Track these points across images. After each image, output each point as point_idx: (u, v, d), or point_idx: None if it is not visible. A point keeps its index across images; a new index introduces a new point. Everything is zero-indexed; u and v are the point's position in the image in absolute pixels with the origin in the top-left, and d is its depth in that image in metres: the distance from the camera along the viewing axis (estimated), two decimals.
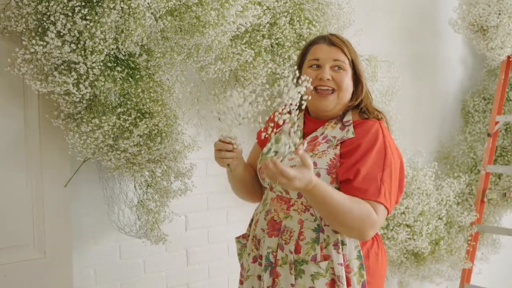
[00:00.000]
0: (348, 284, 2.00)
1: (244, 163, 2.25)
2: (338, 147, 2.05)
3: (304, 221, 2.05)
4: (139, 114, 2.27)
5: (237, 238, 2.32)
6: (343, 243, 2.02)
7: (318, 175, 1.99)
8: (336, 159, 2.03)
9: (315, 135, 2.12)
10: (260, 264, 2.12)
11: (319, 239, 2.02)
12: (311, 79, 1.88)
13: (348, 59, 2.12)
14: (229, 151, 2.05)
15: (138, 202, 2.55)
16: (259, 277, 2.13)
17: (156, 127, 2.30)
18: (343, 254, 2.01)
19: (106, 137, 2.22)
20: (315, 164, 2.00)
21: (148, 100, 2.26)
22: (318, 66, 2.12)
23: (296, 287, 2.02)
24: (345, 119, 2.12)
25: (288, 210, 2.09)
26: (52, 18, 2.06)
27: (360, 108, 2.15)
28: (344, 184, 1.99)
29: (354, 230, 1.96)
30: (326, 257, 2.01)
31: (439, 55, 4.25)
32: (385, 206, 1.98)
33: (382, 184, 1.97)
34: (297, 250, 2.03)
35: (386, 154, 2.00)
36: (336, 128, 2.11)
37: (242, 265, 2.28)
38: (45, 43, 2.07)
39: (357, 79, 2.15)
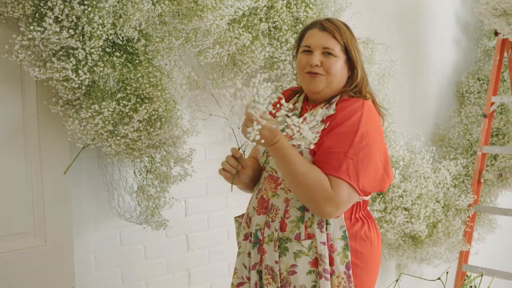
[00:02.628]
0: (331, 263, 2.02)
1: (248, 164, 2.22)
2: (322, 125, 2.05)
3: (290, 199, 2.09)
4: (138, 100, 2.26)
5: (236, 217, 2.37)
6: (327, 223, 2.04)
7: (300, 153, 2.03)
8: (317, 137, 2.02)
9: (305, 116, 2.12)
10: (250, 241, 2.17)
11: (304, 218, 2.06)
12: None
13: (341, 44, 2.11)
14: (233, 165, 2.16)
15: (138, 188, 2.55)
16: (249, 254, 2.18)
17: (156, 112, 2.29)
18: (326, 233, 2.03)
19: (106, 123, 2.21)
20: (299, 144, 2.04)
21: (147, 85, 2.24)
22: (310, 52, 2.14)
23: (280, 264, 2.06)
24: (333, 100, 2.13)
25: (275, 189, 2.14)
26: (49, 4, 2.04)
27: (353, 90, 2.15)
28: (314, 157, 2.03)
29: (308, 201, 1.99)
30: (310, 236, 2.04)
31: (433, 37, 4.24)
32: (348, 184, 1.96)
33: (345, 159, 1.96)
34: (282, 228, 2.08)
35: (357, 131, 1.99)
36: (324, 108, 2.12)
37: (238, 244, 2.31)
38: (43, 29, 2.04)
39: (352, 65, 2.15)
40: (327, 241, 2.03)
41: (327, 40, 2.11)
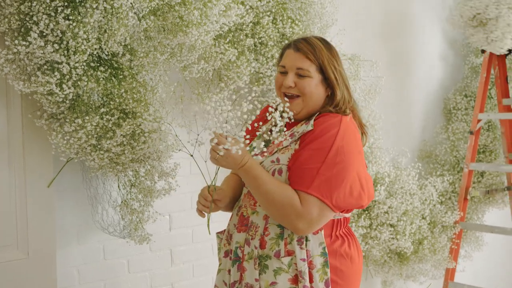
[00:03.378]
0: (311, 280, 2.02)
1: (222, 196, 2.23)
2: (298, 142, 2.07)
3: (269, 217, 2.08)
4: (122, 114, 2.27)
5: (218, 233, 2.35)
6: (307, 239, 2.03)
7: (280, 171, 2.04)
8: (295, 153, 2.05)
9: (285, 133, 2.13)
10: (231, 259, 2.17)
11: (283, 235, 2.06)
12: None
13: (316, 65, 2.10)
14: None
15: (122, 202, 2.55)
16: (229, 272, 2.17)
17: (139, 127, 2.30)
18: (306, 250, 2.03)
19: (89, 137, 2.22)
20: (278, 159, 2.07)
21: (131, 101, 2.26)
22: (286, 72, 2.15)
23: (261, 282, 2.05)
24: (312, 117, 2.13)
25: (254, 205, 2.14)
26: (35, 18, 2.06)
27: (335, 108, 2.12)
28: (289, 172, 2.04)
29: (280, 218, 2.00)
30: (290, 253, 2.03)
31: (420, 53, 4.28)
32: (320, 200, 1.96)
33: (318, 175, 1.96)
34: (262, 246, 2.07)
35: (332, 147, 1.98)
36: (304, 124, 2.13)
37: (219, 260, 2.31)
38: (27, 43, 2.06)
39: (330, 84, 2.13)
40: (307, 257, 2.02)
41: (301, 61, 2.11)
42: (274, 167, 2.06)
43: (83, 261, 2.63)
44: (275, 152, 2.11)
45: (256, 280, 2.05)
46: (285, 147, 2.10)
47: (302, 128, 2.09)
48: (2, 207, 2.31)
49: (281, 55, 2.22)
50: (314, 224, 1.99)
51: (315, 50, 2.11)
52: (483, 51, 4.05)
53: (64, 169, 2.47)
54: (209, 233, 2.28)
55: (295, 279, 2.02)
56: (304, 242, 2.03)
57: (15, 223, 2.35)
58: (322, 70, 2.11)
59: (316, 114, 2.12)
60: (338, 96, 2.11)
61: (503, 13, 3.65)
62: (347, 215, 2.15)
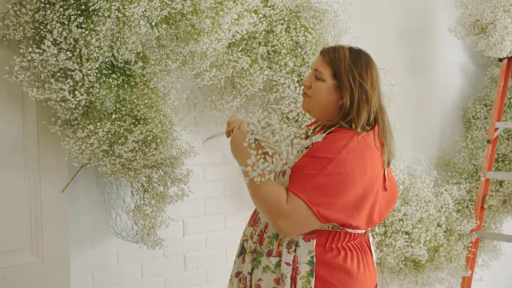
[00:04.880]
0: (295, 286, 2.02)
1: None
2: (308, 149, 2.06)
3: None
4: (133, 120, 2.31)
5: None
6: (297, 245, 2.05)
7: (284, 173, 2.05)
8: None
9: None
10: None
11: (278, 236, 2.09)
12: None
13: (331, 70, 2.11)
14: None
15: (134, 207, 2.59)
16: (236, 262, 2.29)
17: (151, 133, 2.34)
18: (294, 255, 2.04)
19: (101, 142, 2.26)
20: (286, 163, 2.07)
21: (142, 107, 2.29)
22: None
23: (252, 276, 2.13)
24: (329, 130, 2.12)
25: None
26: (48, 27, 2.11)
27: (346, 119, 2.09)
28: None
29: (264, 212, 2.00)
30: (279, 254, 2.07)
31: (439, 60, 4.27)
32: (306, 204, 1.93)
33: (311, 181, 1.94)
34: (260, 242, 2.14)
35: (334, 159, 1.95)
36: (319, 132, 2.16)
37: None
38: (41, 51, 2.11)
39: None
40: (293, 263, 2.03)
41: (319, 64, 2.14)
42: (281, 169, 2.05)
43: (97, 265, 2.67)
44: None
45: (249, 273, 2.13)
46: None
47: (316, 138, 2.10)
48: (17, 211, 2.36)
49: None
50: (295, 226, 1.97)
51: (335, 56, 2.11)
52: (500, 60, 4.04)
53: (78, 174, 2.52)
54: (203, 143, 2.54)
55: (279, 281, 2.05)
56: (293, 247, 2.04)
57: (30, 227, 2.40)
58: (337, 76, 2.10)
59: (332, 128, 2.10)
60: (346, 105, 2.08)
61: (499, 16, 3.67)
62: (350, 230, 2.08)
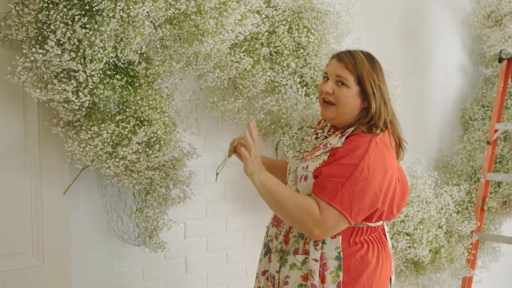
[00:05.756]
0: (323, 281, 2.14)
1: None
2: (328, 154, 2.17)
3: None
4: (137, 122, 2.28)
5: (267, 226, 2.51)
6: (323, 242, 2.15)
7: (306, 177, 2.17)
8: (323, 165, 2.15)
9: (321, 142, 2.28)
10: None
11: (304, 235, 2.20)
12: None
13: (354, 75, 2.18)
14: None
15: (136, 209, 2.56)
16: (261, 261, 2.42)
17: (155, 134, 2.31)
18: (321, 252, 2.14)
19: (105, 144, 2.23)
20: (307, 167, 2.20)
21: (146, 108, 2.27)
22: (327, 79, 2.25)
23: (280, 274, 2.24)
24: (348, 130, 2.21)
25: None
26: (52, 27, 2.08)
27: (369, 123, 2.20)
28: (315, 181, 2.15)
29: (297, 224, 2.13)
30: (306, 252, 2.18)
31: (437, 62, 4.26)
32: (339, 212, 2.05)
33: (341, 188, 2.05)
34: (286, 241, 2.25)
35: (359, 164, 2.06)
36: (337, 136, 2.22)
37: None
38: (45, 51, 2.08)
39: (367, 97, 2.20)
40: (321, 259, 2.14)
41: (341, 70, 2.20)
42: (302, 173, 2.19)
43: (98, 268, 2.64)
44: (308, 160, 2.23)
45: (277, 271, 2.25)
46: (316, 156, 2.21)
47: (334, 141, 2.20)
48: (18, 214, 2.33)
49: (327, 65, 2.32)
50: (329, 232, 2.10)
51: (356, 62, 2.19)
52: (500, 61, 4.03)
53: (80, 176, 2.49)
54: (216, 180, 2.56)
55: (306, 277, 2.16)
56: (320, 244, 2.16)
57: (31, 230, 2.37)
58: (360, 82, 2.18)
59: (350, 131, 2.20)
60: (373, 110, 2.18)
61: None
62: (371, 224, 2.21)
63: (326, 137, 2.32)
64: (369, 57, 2.24)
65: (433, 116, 4.27)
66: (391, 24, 3.89)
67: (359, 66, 2.18)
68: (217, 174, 2.50)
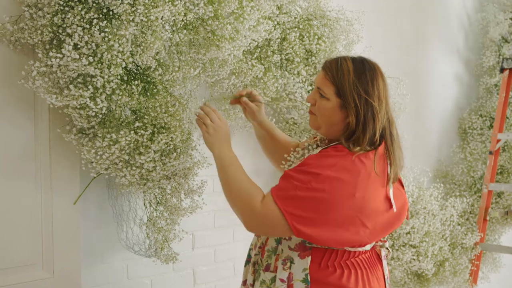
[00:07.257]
0: None
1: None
2: (301, 160, 2.07)
3: None
4: (155, 129, 2.21)
5: None
6: (292, 261, 2.00)
7: None
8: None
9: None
10: None
11: (277, 251, 2.07)
12: None
13: (334, 87, 1.99)
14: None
15: (148, 220, 2.49)
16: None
17: (172, 142, 2.24)
18: (289, 272, 1.99)
19: (122, 152, 2.16)
20: None
21: (166, 115, 2.20)
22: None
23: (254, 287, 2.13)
24: (334, 143, 2.06)
25: None
26: (68, 30, 2.01)
27: (351, 138, 2.00)
28: None
29: (235, 208, 2.01)
30: (276, 269, 2.04)
31: (434, 72, 4.25)
32: (281, 212, 1.87)
33: (292, 191, 1.89)
34: (262, 254, 2.13)
35: (320, 175, 1.87)
36: (319, 147, 2.12)
37: None
38: (61, 56, 2.01)
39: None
40: (288, 280, 1.98)
41: (321, 82, 2.04)
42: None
43: (107, 280, 2.56)
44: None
45: (251, 284, 2.14)
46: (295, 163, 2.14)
47: (313, 150, 2.13)
48: (28, 225, 2.24)
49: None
50: (263, 228, 1.96)
51: (338, 73, 1.99)
52: (501, 71, 4.03)
53: (90, 186, 2.41)
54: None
55: None
56: (288, 264, 2.00)
57: (41, 241, 2.28)
58: (340, 94, 1.98)
59: (330, 144, 2.05)
60: (352, 125, 1.98)
61: None
62: (350, 248, 2.00)
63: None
64: (360, 66, 2.00)
65: (431, 126, 4.26)
66: (390, 35, 3.87)
67: (341, 77, 1.97)
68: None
